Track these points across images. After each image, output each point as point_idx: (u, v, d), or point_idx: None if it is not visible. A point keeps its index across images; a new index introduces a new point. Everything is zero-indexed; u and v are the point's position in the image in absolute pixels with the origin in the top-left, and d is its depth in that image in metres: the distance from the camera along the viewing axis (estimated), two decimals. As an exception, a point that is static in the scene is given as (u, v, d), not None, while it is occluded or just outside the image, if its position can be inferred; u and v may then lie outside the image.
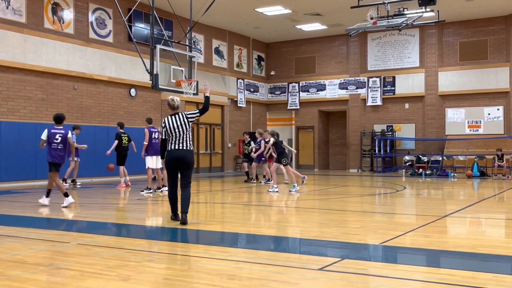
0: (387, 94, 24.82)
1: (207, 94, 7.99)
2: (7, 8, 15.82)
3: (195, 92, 16.44)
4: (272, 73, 28.00)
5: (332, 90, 26.24)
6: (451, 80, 23.59)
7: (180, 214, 7.71)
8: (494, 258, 5.50)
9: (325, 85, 26.42)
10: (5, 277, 4.57)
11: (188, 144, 7.68)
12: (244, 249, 6.13)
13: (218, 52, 24.75)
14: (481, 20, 23.09)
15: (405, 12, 16.80)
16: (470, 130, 23.15)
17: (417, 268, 5.06)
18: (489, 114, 22.88)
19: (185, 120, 7.72)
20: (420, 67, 24.25)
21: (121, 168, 15.21)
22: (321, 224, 7.81)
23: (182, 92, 16.64)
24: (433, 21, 19.30)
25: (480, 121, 22.97)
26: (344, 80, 25.92)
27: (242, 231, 7.37)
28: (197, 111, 7.95)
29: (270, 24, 24.08)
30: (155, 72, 15.25)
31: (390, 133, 24.69)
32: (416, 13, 16.99)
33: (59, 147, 10.16)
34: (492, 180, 18.43)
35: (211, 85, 23.42)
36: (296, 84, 27.16)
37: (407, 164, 23.14)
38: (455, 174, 20.36)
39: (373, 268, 4.93)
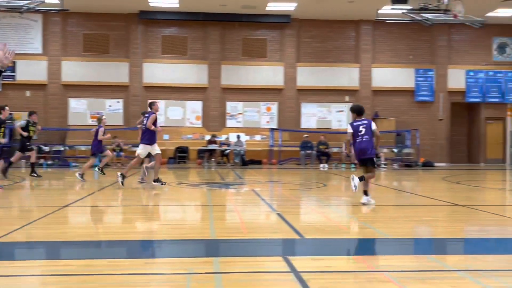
0: (6, 79, 23.16)
1: None
2: None
3: None
4: None
5: None
6: (75, 70, 23.59)
7: None
8: (111, 244, 5.76)
9: None
10: None
11: None
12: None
13: None
14: (104, 15, 23.78)
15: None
16: (92, 121, 23.63)
17: (33, 262, 4.87)
18: (110, 106, 23.90)
19: None
20: (43, 55, 23.50)
21: None
22: None
23: None
24: (57, 8, 18.98)
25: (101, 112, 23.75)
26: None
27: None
28: None
29: None
30: None
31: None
32: (40, -3, 16.42)
33: None
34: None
35: None
36: None
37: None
38: (76, 164, 20.50)
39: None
